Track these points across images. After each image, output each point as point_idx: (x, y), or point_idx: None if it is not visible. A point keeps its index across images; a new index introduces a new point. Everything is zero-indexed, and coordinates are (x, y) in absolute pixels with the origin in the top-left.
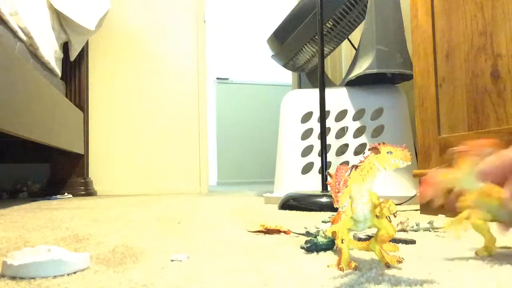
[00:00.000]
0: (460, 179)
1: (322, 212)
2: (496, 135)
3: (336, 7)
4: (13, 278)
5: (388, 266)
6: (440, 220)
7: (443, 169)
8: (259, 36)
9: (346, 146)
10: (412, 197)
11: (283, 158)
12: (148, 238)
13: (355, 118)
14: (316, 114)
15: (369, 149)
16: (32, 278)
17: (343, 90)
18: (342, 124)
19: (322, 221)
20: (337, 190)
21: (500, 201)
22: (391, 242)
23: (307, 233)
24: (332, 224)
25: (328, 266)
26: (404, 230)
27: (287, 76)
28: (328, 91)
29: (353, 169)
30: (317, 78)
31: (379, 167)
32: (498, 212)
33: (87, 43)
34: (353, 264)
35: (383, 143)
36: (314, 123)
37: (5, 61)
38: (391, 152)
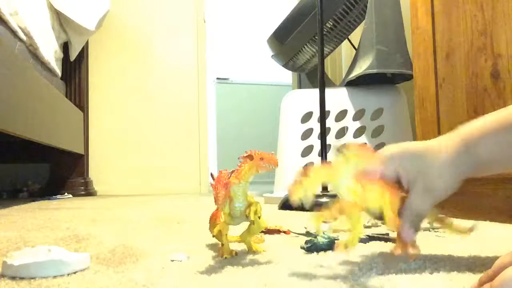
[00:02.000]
0: (334, 178)
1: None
2: None
3: (336, 7)
4: (13, 278)
5: (254, 253)
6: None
7: (319, 165)
8: (259, 36)
9: None
10: None
11: (283, 158)
12: (148, 238)
13: (355, 118)
14: (316, 114)
15: (244, 157)
16: (32, 278)
17: (343, 90)
18: (342, 124)
19: (322, 221)
20: (217, 191)
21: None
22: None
23: (307, 233)
24: (211, 218)
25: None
26: None
27: (287, 76)
28: (328, 91)
29: (232, 173)
30: (317, 78)
31: (253, 171)
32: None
33: (87, 43)
34: (233, 252)
35: (255, 151)
36: (314, 123)
37: (5, 61)
38: (263, 158)
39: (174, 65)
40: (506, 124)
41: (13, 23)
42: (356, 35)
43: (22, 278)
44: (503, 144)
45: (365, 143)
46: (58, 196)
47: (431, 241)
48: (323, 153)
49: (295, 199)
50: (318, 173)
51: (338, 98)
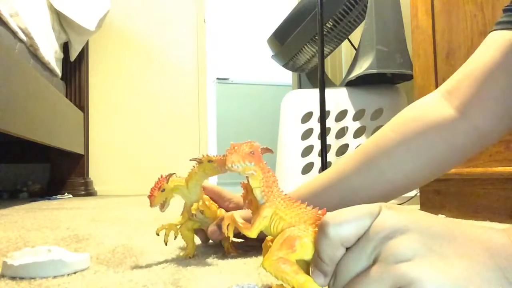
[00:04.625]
0: (185, 189)
1: None
2: None
3: (336, 7)
4: (13, 278)
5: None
6: None
7: (173, 176)
8: (259, 36)
9: (346, 146)
10: (412, 197)
11: (283, 158)
12: (148, 238)
13: (355, 118)
14: (316, 114)
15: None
16: (32, 278)
17: (343, 90)
18: (342, 124)
19: None
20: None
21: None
22: None
23: None
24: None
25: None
26: None
27: (287, 76)
28: (328, 91)
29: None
30: (317, 78)
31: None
32: (207, 224)
33: (87, 43)
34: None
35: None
36: (314, 123)
37: (5, 62)
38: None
39: (174, 65)
40: (315, 192)
41: (13, 23)
42: (356, 35)
43: (22, 278)
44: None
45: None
46: (58, 196)
47: None
48: (323, 153)
49: (155, 204)
50: (176, 181)
51: (338, 98)
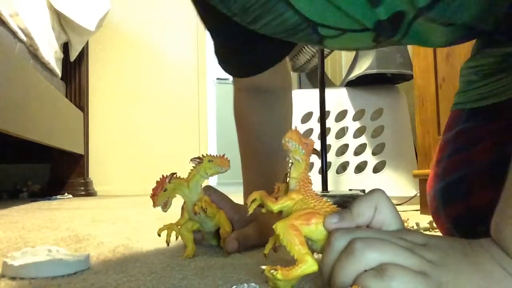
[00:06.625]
0: (186, 188)
1: None
2: None
3: None
4: (13, 278)
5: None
6: None
7: (174, 176)
8: None
9: (346, 146)
10: (412, 197)
11: None
12: (148, 238)
13: (355, 118)
14: (316, 114)
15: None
16: (32, 278)
17: (343, 90)
18: (342, 124)
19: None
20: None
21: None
22: None
23: None
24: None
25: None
26: None
27: None
28: (328, 91)
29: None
30: (317, 78)
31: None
32: (207, 226)
33: (87, 43)
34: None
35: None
36: (314, 123)
37: (5, 62)
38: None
39: (174, 65)
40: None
41: (13, 24)
42: None
43: (22, 279)
44: None
45: (223, 155)
46: (58, 197)
47: None
48: (323, 153)
49: (158, 204)
50: (178, 181)
51: (338, 98)
